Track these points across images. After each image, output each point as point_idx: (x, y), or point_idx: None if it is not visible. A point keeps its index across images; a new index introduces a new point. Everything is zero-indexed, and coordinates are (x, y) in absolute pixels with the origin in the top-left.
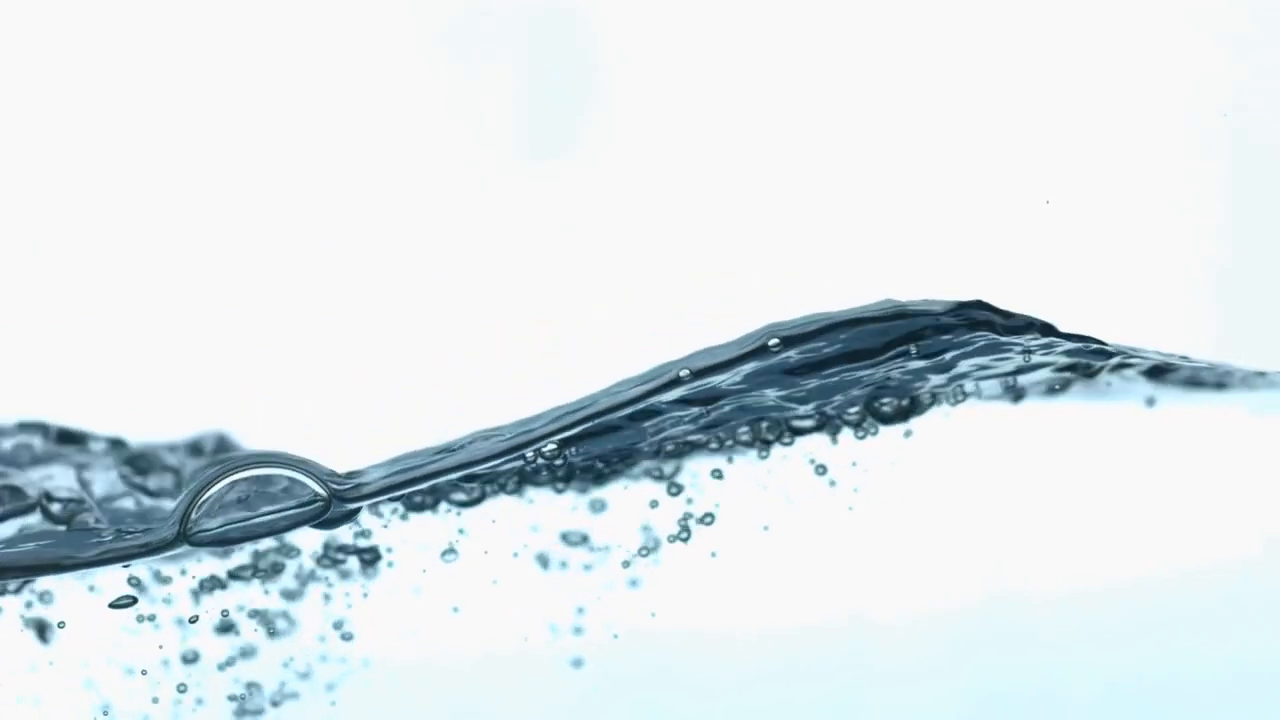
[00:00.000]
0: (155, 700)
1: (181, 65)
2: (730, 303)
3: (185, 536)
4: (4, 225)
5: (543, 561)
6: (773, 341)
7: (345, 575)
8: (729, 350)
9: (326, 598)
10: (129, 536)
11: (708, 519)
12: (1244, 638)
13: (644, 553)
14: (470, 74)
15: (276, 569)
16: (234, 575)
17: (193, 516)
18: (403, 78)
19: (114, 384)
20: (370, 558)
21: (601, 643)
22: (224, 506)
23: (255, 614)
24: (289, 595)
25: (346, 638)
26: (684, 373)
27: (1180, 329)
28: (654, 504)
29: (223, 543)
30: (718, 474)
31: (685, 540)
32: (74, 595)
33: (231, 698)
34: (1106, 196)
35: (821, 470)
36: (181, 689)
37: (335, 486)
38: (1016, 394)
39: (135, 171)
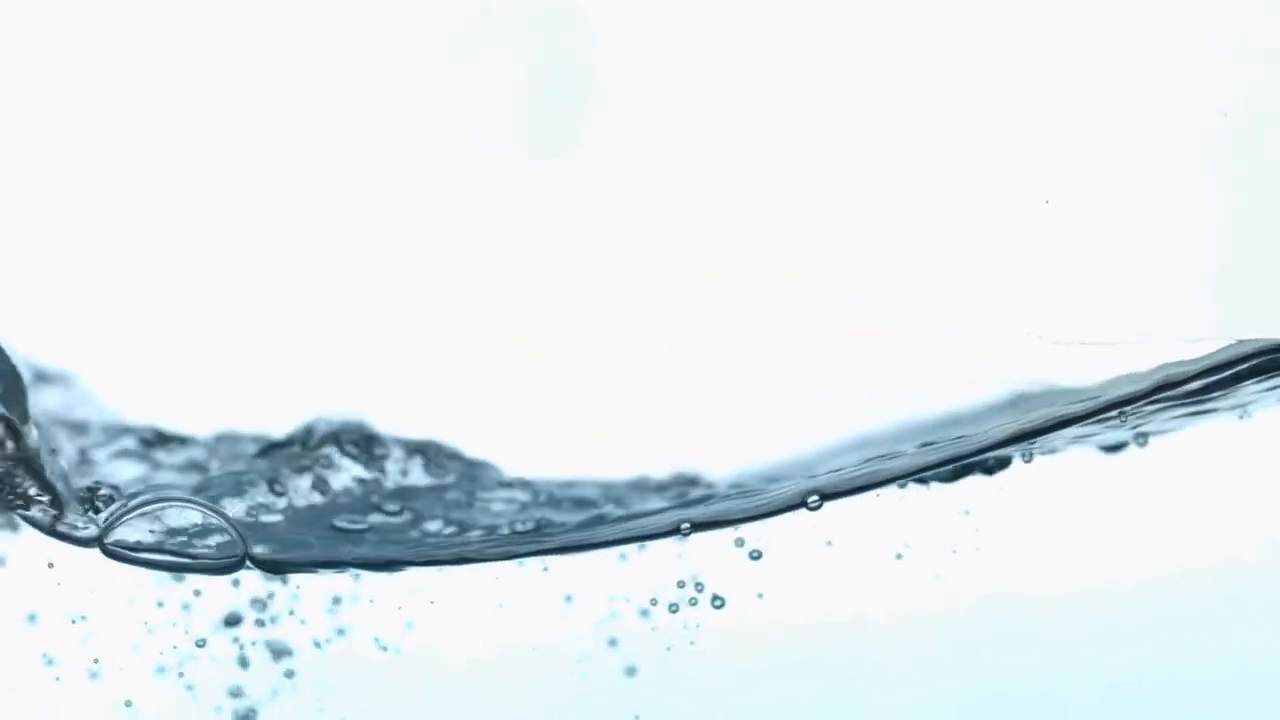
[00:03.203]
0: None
1: (181, 65)
2: (730, 303)
3: (100, 543)
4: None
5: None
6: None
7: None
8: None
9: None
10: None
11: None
12: (1247, 637)
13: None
14: (470, 74)
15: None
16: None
17: (111, 528)
18: (402, 77)
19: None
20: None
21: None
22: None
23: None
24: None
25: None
26: (813, 500)
27: (1179, 329)
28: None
29: (137, 562)
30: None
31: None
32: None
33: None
34: (1105, 196)
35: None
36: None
37: (256, 553)
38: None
39: (130, 173)
